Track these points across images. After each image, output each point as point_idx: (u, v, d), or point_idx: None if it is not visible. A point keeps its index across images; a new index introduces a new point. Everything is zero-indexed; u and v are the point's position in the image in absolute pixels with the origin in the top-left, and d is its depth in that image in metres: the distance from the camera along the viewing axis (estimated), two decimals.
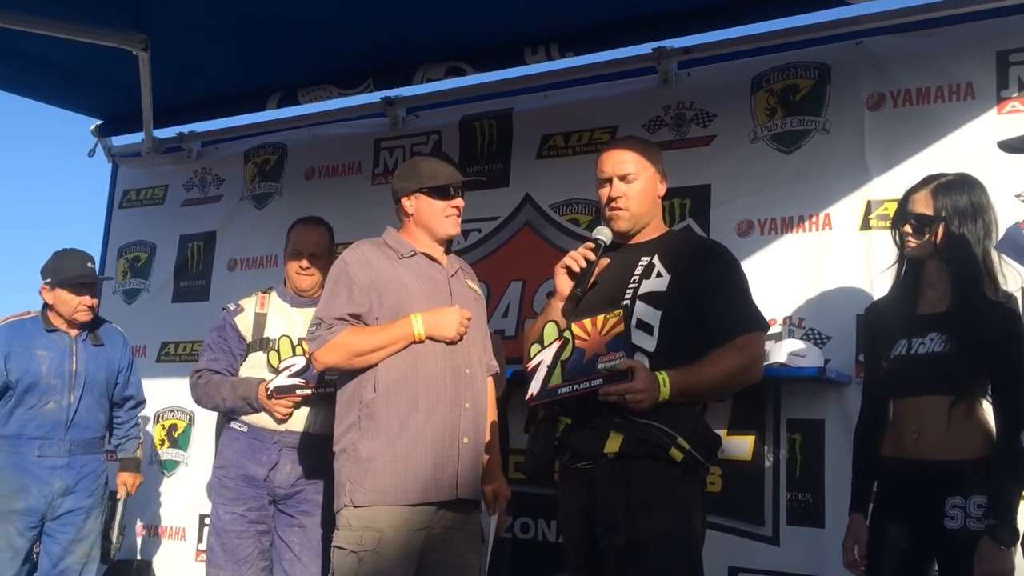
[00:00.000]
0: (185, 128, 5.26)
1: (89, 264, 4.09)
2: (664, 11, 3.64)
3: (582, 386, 2.44)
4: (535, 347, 2.54)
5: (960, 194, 2.72)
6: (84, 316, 4.04)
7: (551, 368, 2.50)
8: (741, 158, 3.74)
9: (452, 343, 2.78)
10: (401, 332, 2.72)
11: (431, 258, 2.91)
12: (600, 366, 2.42)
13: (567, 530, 2.70)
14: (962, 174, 2.80)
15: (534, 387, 2.51)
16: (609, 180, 2.66)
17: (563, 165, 4.15)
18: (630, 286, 2.58)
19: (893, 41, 3.52)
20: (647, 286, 2.56)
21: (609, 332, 2.43)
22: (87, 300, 4.02)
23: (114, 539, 4.17)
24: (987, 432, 2.61)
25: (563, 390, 2.46)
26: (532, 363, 2.53)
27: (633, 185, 2.64)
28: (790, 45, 3.72)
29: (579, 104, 4.19)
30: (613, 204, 2.65)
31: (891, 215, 3.04)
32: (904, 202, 2.80)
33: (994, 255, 2.68)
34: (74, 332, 4.07)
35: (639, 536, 2.40)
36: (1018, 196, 3.18)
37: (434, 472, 2.69)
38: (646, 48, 3.93)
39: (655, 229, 2.73)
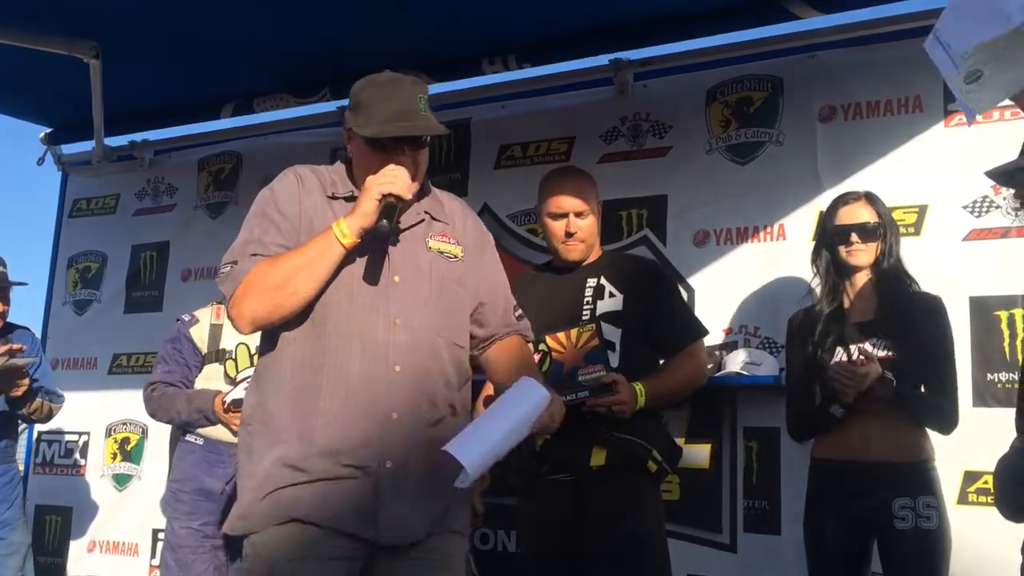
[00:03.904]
0: (137, 136, 5.19)
1: (0, 268, 3.88)
2: (620, 23, 3.67)
3: (569, 398, 2.53)
4: None
5: (882, 203, 2.90)
6: None
7: None
8: (697, 169, 3.79)
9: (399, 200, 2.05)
10: (321, 239, 2.05)
11: None
12: (581, 378, 2.59)
13: (538, 538, 2.81)
14: (868, 191, 2.96)
15: None
16: (565, 215, 2.85)
17: (521, 175, 4.16)
18: (585, 307, 2.77)
19: (844, 55, 3.59)
20: (603, 306, 2.77)
21: (584, 345, 2.61)
22: None
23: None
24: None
25: None
26: None
27: (587, 220, 2.87)
28: (744, 58, 3.77)
29: (537, 114, 4.21)
30: (573, 238, 2.86)
31: None
32: (831, 220, 2.90)
33: (903, 262, 2.86)
34: None
35: (623, 541, 2.62)
36: (966, 207, 3.26)
37: None
38: (603, 59, 3.97)
39: (595, 252, 2.96)
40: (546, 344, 2.67)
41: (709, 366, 3.24)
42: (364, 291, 2.07)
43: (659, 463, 2.71)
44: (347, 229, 2.03)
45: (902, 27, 3.45)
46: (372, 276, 2.09)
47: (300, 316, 2.06)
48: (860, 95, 3.52)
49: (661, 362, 2.95)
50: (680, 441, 3.27)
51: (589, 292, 2.82)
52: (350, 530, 1.98)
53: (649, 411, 2.72)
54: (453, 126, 4.38)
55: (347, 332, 2.05)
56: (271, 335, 2.10)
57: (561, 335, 2.66)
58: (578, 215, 2.85)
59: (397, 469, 2.00)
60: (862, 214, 2.85)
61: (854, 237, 2.83)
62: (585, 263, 2.92)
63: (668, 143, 3.87)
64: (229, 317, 2.11)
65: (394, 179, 2.05)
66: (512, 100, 4.29)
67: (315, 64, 4.19)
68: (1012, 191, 2.25)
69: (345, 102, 4.37)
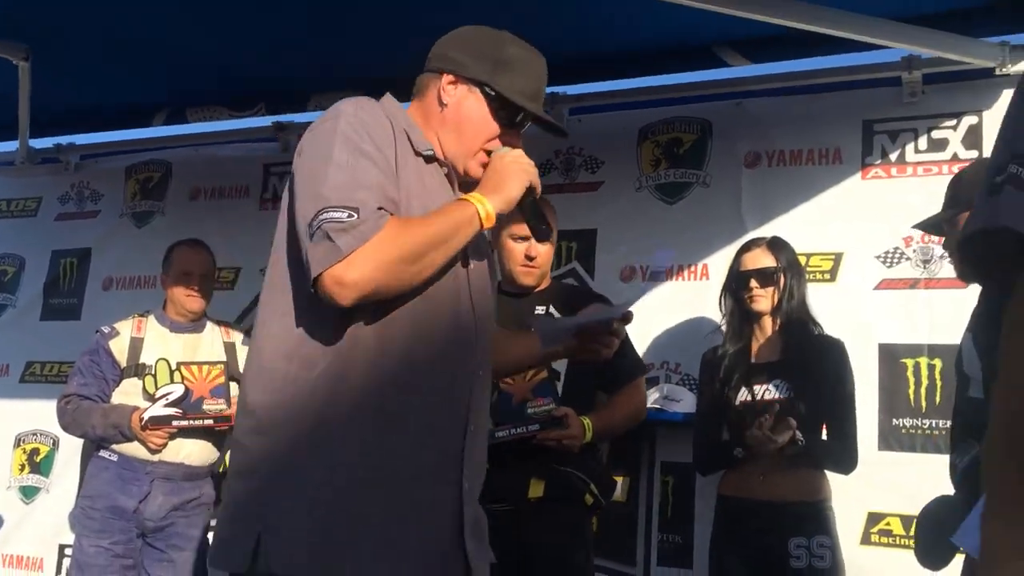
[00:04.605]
0: (63, 139, 5.07)
1: None
2: (557, 59, 3.72)
3: (518, 431, 2.61)
4: None
5: (789, 250, 2.99)
6: None
7: None
8: (627, 205, 3.87)
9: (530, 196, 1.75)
10: (462, 214, 1.67)
11: (452, 177, 1.83)
12: (530, 411, 2.62)
13: None
14: (777, 236, 3.05)
15: None
16: (528, 239, 2.85)
17: None
18: None
19: (770, 104, 3.71)
20: None
21: (533, 378, 2.63)
22: None
23: None
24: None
25: (500, 434, 2.60)
26: None
27: (546, 247, 2.89)
28: (675, 100, 3.87)
29: None
30: (532, 263, 2.87)
31: None
32: (736, 267, 3.02)
33: (809, 305, 2.97)
34: None
35: (562, 572, 2.69)
36: (878, 257, 3.41)
37: None
38: None
39: (546, 280, 3.01)
40: None
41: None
42: (441, 285, 1.69)
43: (595, 496, 2.77)
44: (492, 211, 1.67)
45: (824, 81, 3.60)
46: (455, 272, 1.73)
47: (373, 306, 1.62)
48: (783, 143, 3.65)
49: (599, 393, 2.99)
50: None
51: None
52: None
53: (589, 443, 2.77)
54: None
55: (430, 331, 1.67)
56: (320, 323, 1.62)
57: None
58: (540, 240, 2.87)
59: (472, 491, 1.70)
60: (762, 260, 2.96)
61: (753, 283, 2.95)
62: (536, 289, 2.95)
63: (600, 178, 3.95)
64: (329, 281, 1.55)
65: (535, 170, 1.75)
66: None
67: (252, 78, 4.17)
68: (940, 241, 2.38)
69: (281, 118, 4.45)
